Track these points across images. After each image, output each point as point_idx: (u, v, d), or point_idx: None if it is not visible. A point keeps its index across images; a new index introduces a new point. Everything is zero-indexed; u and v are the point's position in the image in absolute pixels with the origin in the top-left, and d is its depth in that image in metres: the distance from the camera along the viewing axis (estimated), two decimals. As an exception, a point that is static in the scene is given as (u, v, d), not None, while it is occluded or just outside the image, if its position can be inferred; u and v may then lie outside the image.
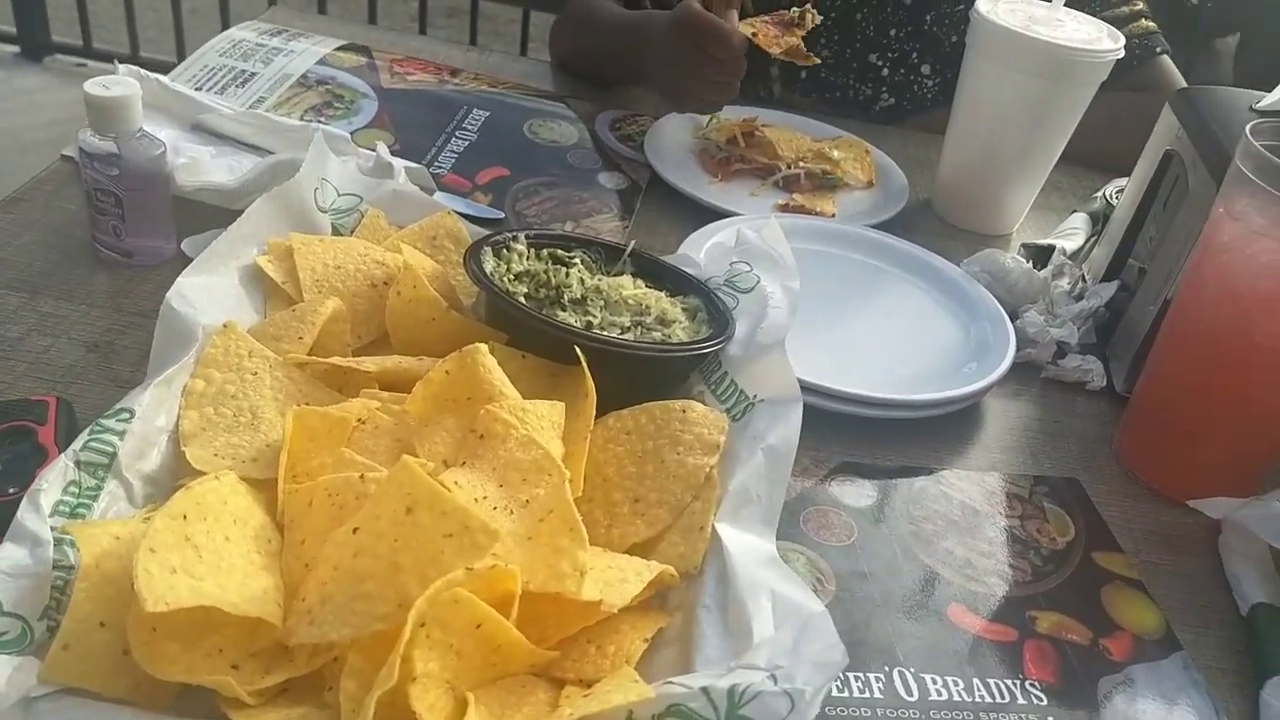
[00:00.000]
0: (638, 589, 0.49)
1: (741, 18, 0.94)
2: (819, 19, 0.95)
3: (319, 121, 0.93)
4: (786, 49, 0.91)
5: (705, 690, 0.42)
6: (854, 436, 0.71)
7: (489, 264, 0.66)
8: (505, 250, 0.68)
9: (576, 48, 1.19)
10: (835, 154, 1.03)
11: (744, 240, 0.74)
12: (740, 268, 0.72)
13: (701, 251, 0.79)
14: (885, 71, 1.21)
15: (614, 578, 0.49)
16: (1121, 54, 0.91)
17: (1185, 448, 0.71)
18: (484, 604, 0.43)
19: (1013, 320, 0.83)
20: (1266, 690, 0.56)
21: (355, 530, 0.45)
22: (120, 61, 0.85)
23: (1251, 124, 0.64)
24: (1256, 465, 0.70)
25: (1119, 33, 0.93)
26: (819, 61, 0.95)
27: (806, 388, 0.62)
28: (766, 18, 0.95)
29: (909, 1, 1.18)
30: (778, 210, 0.97)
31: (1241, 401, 0.67)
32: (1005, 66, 0.93)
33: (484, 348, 0.58)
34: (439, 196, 0.84)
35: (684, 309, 0.69)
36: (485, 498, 0.50)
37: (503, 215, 0.88)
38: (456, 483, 0.50)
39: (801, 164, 1.01)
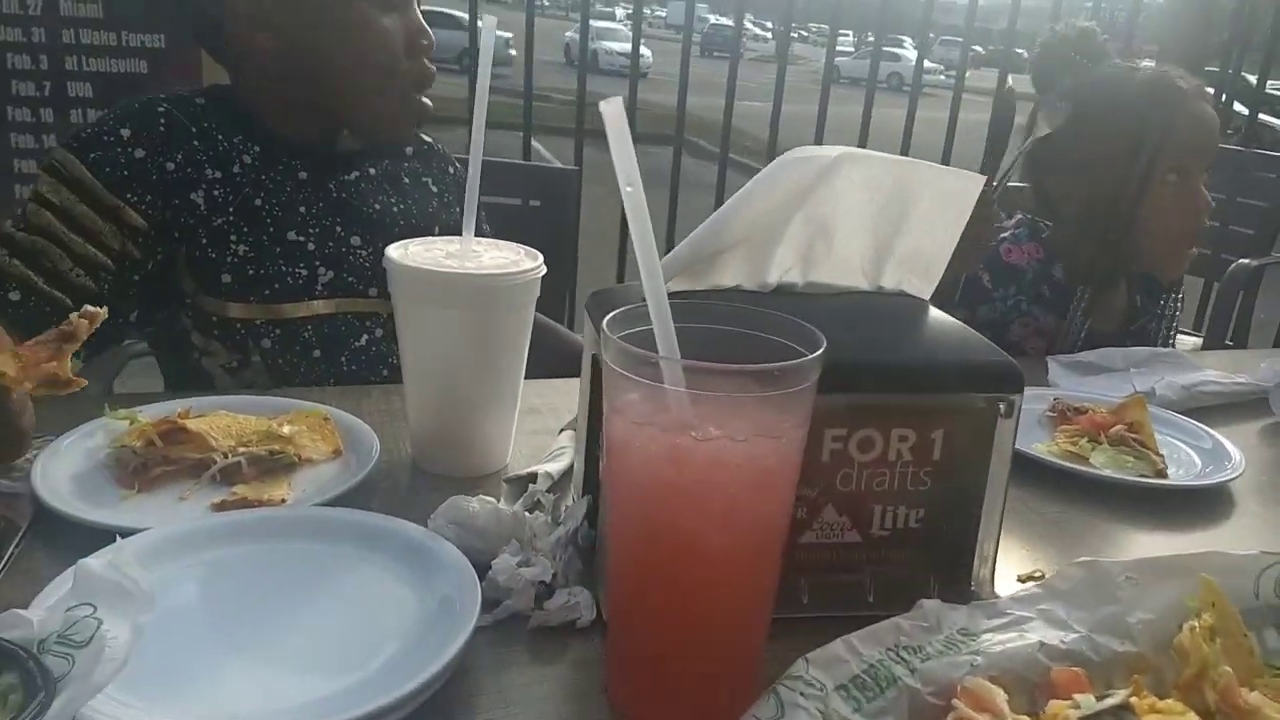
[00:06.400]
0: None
1: None
2: (99, 317, 0.76)
3: None
4: (43, 377, 0.72)
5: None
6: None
7: None
8: None
9: None
10: (286, 429, 0.91)
11: (86, 575, 0.57)
12: (79, 613, 0.55)
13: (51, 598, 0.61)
14: (312, 246, 1.21)
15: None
16: (542, 270, 0.90)
17: (658, 676, 0.62)
18: None
19: (489, 569, 0.73)
20: None
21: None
22: None
23: (607, 318, 0.61)
24: (718, 687, 0.62)
25: (536, 251, 0.93)
26: (83, 385, 0.75)
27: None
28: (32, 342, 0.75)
29: (304, 177, 1.23)
30: (214, 509, 0.81)
31: (682, 610, 0.60)
32: (431, 305, 0.88)
33: None
34: None
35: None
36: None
37: None
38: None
39: (243, 449, 0.87)
